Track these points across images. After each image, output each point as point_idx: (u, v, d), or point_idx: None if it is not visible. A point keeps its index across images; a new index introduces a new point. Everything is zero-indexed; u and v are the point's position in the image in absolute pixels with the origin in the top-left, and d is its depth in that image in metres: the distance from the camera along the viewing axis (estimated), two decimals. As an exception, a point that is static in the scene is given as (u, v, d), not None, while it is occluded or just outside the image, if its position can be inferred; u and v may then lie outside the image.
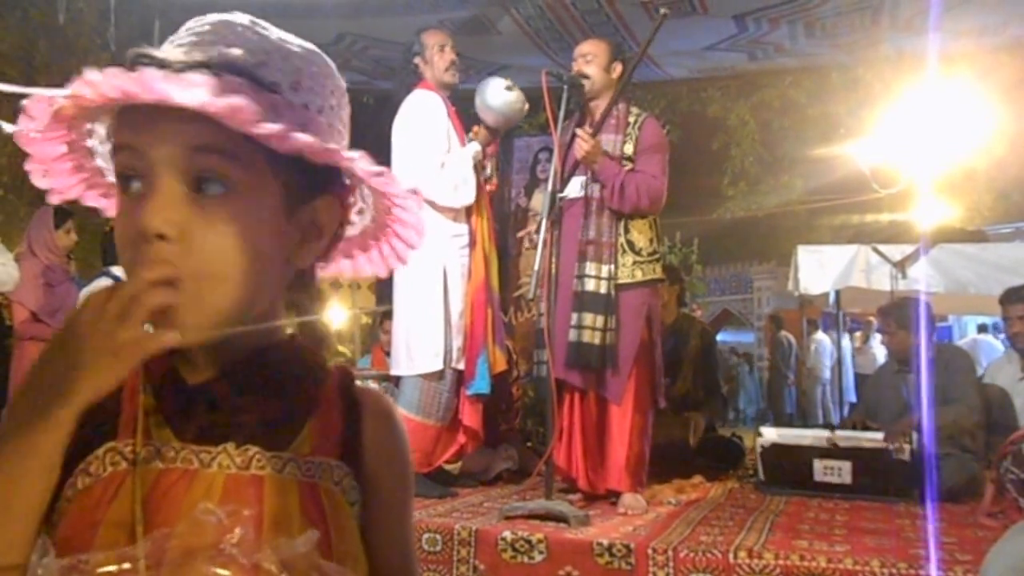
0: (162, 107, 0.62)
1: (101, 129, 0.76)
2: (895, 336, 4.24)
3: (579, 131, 3.28)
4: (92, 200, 0.80)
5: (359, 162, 0.69)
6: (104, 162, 0.78)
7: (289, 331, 0.79)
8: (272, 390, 0.74)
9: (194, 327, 0.66)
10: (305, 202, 0.74)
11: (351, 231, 0.83)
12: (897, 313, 4.22)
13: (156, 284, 0.63)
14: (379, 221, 0.82)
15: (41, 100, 0.65)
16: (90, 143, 0.76)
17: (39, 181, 0.75)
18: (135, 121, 0.66)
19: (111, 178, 0.77)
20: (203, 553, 0.61)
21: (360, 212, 0.83)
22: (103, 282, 3.97)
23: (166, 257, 0.64)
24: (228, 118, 0.62)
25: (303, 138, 0.64)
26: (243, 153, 0.67)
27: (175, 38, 0.72)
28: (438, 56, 3.62)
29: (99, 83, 0.62)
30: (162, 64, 0.66)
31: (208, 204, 0.67)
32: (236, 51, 0.69)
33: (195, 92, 0.61)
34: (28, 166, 0.73)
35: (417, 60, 3.64)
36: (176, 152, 0.66)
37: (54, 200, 0.78)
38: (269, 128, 0.62)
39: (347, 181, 0.78)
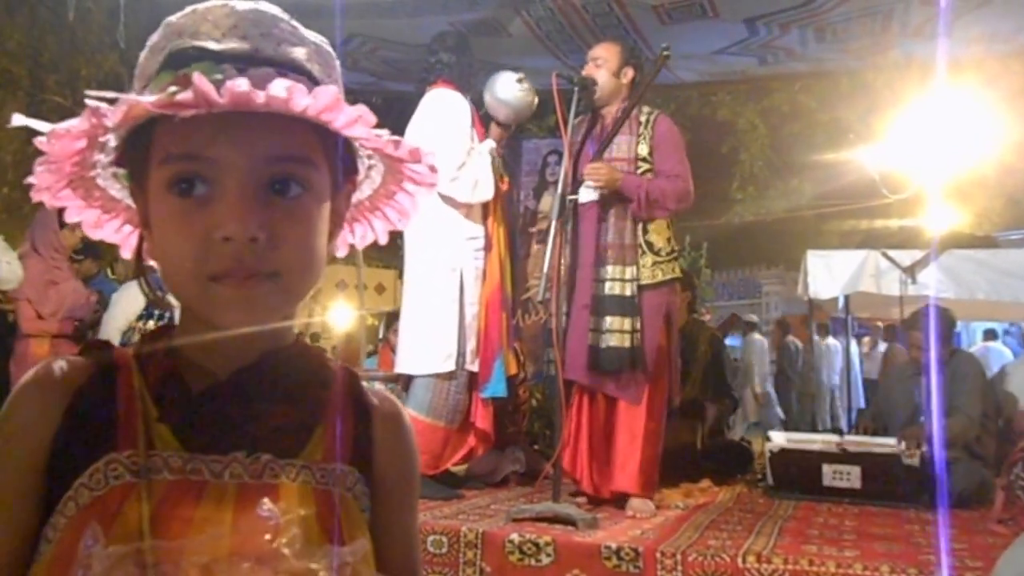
0: (237, 114, 0.62)
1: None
2: (919, 346, 4.15)
3: (588, 166, 3.24)
4: (69, 200, 0.74)
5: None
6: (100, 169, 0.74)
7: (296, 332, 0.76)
8: (282, 395, 0.71)
9: (283, 314, 0.70)
10: (336, 194, 0.75)
11: None
12: (923, 325, 4.12)
13: (262, 277, 0.66)
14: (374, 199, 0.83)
15: (124, 104, 0.61)
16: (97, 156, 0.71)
17: (43, 178, 0.68)
18: (206, 129, 0.64)
19: (102, 182, 0.74)
20: (256, 553, 0.59)
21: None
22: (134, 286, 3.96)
23: (262, 255, 0.66)
24: (345, 127, 0.66)
25: (407, 145, 0.70)
26: (312, 155, 0.69)
27: (197, 25, 0.69)
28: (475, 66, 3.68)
29: (207, 92, 0.59)
30: (220, 58, 0.67)
31: (286, 205, 0.68)
32: (299, 51, 0.71)
33: (318, 100, 0.62)
34: (39, 167, 0.67)
35: (463, 57, 3.64)
36: (257, 161, 0.66)
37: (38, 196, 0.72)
38: (380, 135, 0.67)
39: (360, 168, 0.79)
